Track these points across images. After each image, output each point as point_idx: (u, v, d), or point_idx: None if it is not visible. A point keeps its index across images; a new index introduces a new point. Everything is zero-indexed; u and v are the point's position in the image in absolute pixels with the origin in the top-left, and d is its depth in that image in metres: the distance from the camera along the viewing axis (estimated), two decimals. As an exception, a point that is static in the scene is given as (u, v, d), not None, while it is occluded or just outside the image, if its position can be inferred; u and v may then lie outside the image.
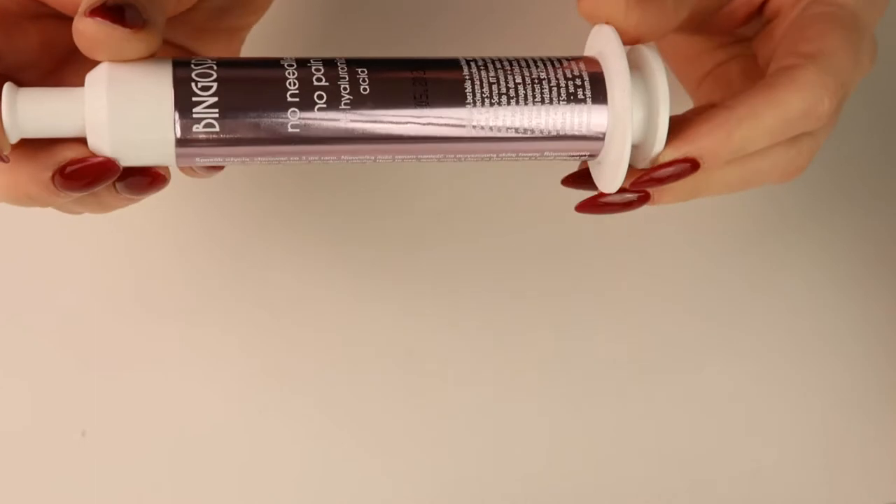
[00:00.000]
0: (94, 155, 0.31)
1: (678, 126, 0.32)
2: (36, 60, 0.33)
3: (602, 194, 0.34)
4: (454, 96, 0.32)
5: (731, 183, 0.34)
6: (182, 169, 0.34)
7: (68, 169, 0.31)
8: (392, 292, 0.45)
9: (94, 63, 0.31)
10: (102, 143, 0.30)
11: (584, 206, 0.35)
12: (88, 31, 0.30)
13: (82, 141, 0.31)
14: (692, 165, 0.32)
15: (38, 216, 0.44)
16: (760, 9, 0.38)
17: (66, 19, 0.32)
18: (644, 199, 0.34)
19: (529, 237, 0.46)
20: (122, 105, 0.30)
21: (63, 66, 0.34)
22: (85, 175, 0.31)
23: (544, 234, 0.46)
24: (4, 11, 0.32)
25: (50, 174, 0.31)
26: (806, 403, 0.46)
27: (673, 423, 0.46)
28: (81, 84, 0.31)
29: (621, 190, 0.33)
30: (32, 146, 0.31)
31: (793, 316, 0.47)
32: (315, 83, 0.31)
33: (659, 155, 0.33)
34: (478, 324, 0.45)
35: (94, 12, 0.29)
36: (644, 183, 0.33)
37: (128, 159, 0.31)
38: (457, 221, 0.46)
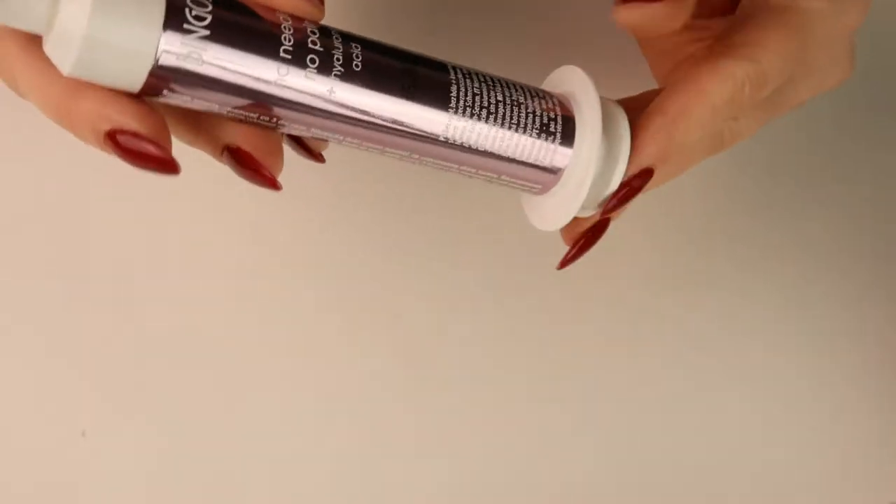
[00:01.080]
0: (159, 143, 0.29)
1: None
2: None
3: (575, 245, 0.36)
4: (439, 97, 0.32)
5: (671, 174, 0.36)
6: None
7: (122, 138, 0.29)
8: (393, 291, 0.45)
9: None
10: (69, 45, 0.28)
11: (566, 263, 0.36)
12: None
13: (139, 105, 0.29)
14: (647, 174, 0.34)
15: (37, 215, 0.44)
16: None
17: None
18: (606, 223, 0.36)
19: (531, 236, 0.46)
20: (107, 11, 0.27)
21: None
22: (137, 157, 0.29)
23: (546, 233, 0.46)
24: None
25: (107, 129, 0.29)
26: (806, 404, 0.46)
27: (672, 422, 0.46)
28: None
29: (584, 232, 0.36)
30: (107, 93, 0.29)
31: (792, 316, 0.47)
32: (310, 45, 0.30)
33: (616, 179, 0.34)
34: (478, 324, 0.45)
35: None
36: (614, 208, 0.35)
37: (90, 70, 0.28)
38: (458, 219, 0.46)
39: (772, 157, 0.48)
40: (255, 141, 0.32)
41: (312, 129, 0.32)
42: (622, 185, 0.34)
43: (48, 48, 0.29)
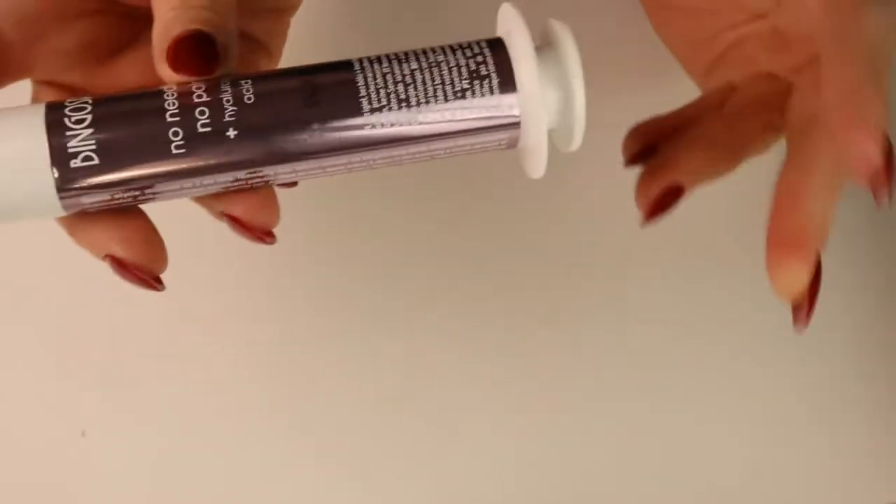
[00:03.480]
0: (135, 267, 0.31)
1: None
2: (79, 62, 0.33)
3: (648, 197, 0.34)
4: (348, 99, 0.30)
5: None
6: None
7: (119, 262, 0.31)
8: (389, 301, 0.45)
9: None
10: None
11: (651, 218, 0.35)
12: (171, 79, 0.30)
13: (139, 222, 0.31)
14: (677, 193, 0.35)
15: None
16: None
17: (110, 14, 0.33)
18: (678, 192, 0.35)
19: (531, 242, 0.46)
20: None
21: (109, 61, 0.34)
22: (129, 279, 0.32)
23: (547, 239, 0.46)
24: (39, 15, 0.32)
25: (103, 255, 0.32)
26: (806, 403, 0.46)
27: (672, 422, 0.46)
28: (134, 75, 0.31)
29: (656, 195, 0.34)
30: (103, 216, 0.31)
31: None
32: (196, 101, 0.29)
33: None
34: (477, 334, 0.45)
35: (173, 60, 0.30)
36: (652, 215, 0.34)
37: (12, 215, 0.29)
38: (454, 228, 0.46)
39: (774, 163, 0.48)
40: (247, 202, 0.32)
41: (238, 180, 0.30)
42: (654, 202, 0.33)
43: None
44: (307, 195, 0.42)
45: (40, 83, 0.33)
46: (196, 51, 0.30)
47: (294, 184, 0.32)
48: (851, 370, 0.47)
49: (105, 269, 0.44)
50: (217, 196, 0.31)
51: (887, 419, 0.46)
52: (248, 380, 0.44)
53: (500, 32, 0.32)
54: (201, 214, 0.33)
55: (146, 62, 0.32)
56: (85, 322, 0.44)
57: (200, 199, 0.32)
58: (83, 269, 0.44)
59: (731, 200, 0.48)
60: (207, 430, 0.44)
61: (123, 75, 0.33)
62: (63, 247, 0.44)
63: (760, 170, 0.48)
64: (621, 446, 0.45)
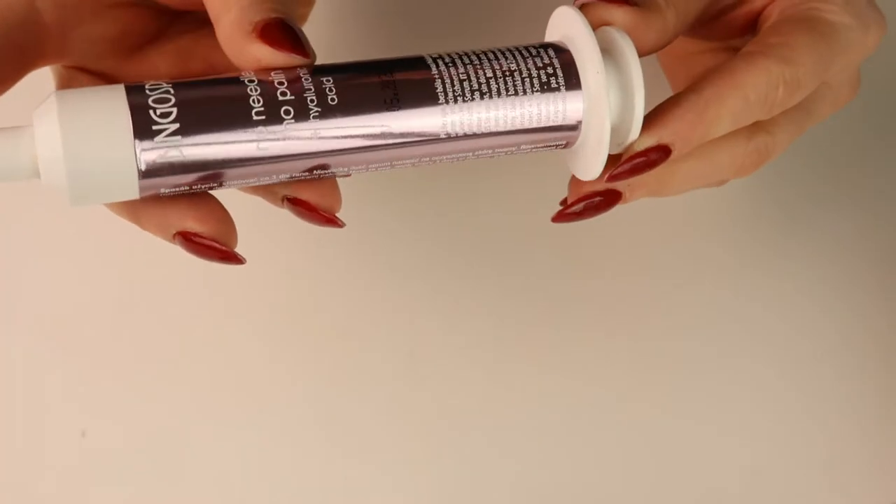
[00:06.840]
0: (212, 239, 0.31)
1: (649, 114, 0.33)
2: (113, 50, 0.33)
3: (574, 203, 0.34)
4: (425, 97, 0.31)
5: (693, 178, 0.35)
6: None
7: (192, 238, 0.31)
8: (390, 292, 0.45)
9: (175, 45, 0.31)
10: (59, 181, 0.29)
11: (559, 217, 0.35)
12: (262, 58, 0.30)
13: (211, 203, 0.31)
14: (664, 153, 0.33)
15: (38, 214, 0.44)
16: (756, 21, 0.38)
17: (143, 6, 0.33)
18: (615, 198, 0.34)
19: (532, 235, 0.46)
20: (77, 139, 0.29)
21: (141, 51, 0.34)
22: (205, 253, 0.32)
23: (547, 232, 0.46)
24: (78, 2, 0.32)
25: (172, 234, 0.31)
26: (806, 403, 0.46)
27: (672, 424, 0.46)
28: (166, 66, 0.31)
29: (591, 194, 0.34)
30: (175, 199, 0.31)
31: (792, 316, 0.47)
32: (280, 97, 0.30)
33: (632, 144, 0.32)
34: (479, 325, 0.45)
35: (266, 37, 0.30)
36: (620, 176, 0.33)
37: (89, 196, 0.29)
38: (456, 219, 0.46)
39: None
40: (315, 187, 0.32)
41: (315, 172, 0.31)
42: (638, 154, 0.32)
43: (47, 188, 0.29)
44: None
45: (71, 69, 0.33)
46: (286, 32, 0.30)
47: (348, 174, 0.33)
48: (851, 370, 0.47)
49: (105, 269, 0.44)
50: (283, 182, 0.32)
51: (887, 419, 0.46)
52: (249, 380, 0.44)
53: (556, 33, 0.34)
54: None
55: (177, 54, 0.32)
56: (85, 322, 0.44)
57: (263, 186, 0.32)
58: (83, 268, 0.44)
59: (733, 200, 0.48)
60: (207, 430, 0.44)
61: (155, 66, 0.34)
62: (63, 247, 0.44)
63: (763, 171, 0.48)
64: (620, 447, 0.45)
